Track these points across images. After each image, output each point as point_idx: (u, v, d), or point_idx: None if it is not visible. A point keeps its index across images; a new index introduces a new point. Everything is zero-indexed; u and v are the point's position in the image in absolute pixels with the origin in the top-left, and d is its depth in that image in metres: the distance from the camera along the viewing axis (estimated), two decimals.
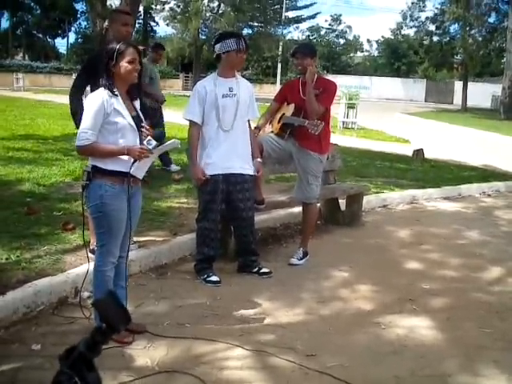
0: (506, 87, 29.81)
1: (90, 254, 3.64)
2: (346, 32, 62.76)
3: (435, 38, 41.36)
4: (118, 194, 3.12)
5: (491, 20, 37.74)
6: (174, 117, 11.77)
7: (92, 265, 3.34)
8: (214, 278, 4.36)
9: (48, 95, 27.23)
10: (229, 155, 4.30)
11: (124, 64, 3.10)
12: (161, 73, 53.42)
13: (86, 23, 56.00)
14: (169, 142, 3.43)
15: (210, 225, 4.40)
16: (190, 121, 4.32)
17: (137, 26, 39.44)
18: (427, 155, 11.45)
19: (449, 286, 4.60)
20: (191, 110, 4.31)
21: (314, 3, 62.92)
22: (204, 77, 4.87)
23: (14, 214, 5.38)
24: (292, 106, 4.88)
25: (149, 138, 3.18)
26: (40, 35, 60.69)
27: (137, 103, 3.31)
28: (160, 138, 7.33)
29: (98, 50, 4.45)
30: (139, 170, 3.19)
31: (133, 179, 3.18)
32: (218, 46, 4.28)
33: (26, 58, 56.55)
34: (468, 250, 5.64)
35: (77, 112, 4.30)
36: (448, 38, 40.29)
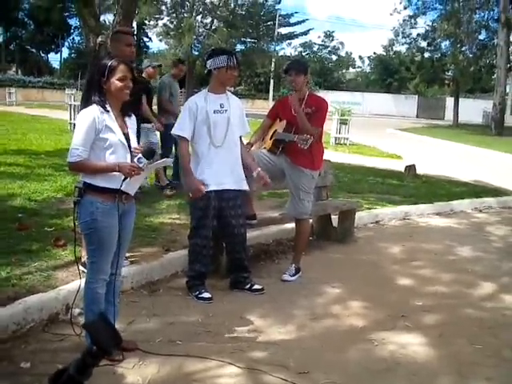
0: (497, 103, 30.05)
1: (82, 268, 3.62)
2: (339, 48, 63.19)
3: (426, 55, 41.67)
4: (109, 211, 3.11)
5: (482, 37, 38.11)
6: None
7: (83, 281, 3.32)
8: (206, 295, 4.34)
9: (40, 110, 27.20)
10: (221, 171, 4.31)
11: (115, 81, 3.10)
12: (154, 88, 53.34)
13: (79, 38, 56.07)
14: (161, 160, 3.43)
15: (202, 241, 4.40)
16: (180, 136, 4.33)
17: None
18: (419, 171, 11.48)
19: (441, 302, 4.61)
20: (181, 126, 4.32)
21: (307, 19, 63.45)
22: (197, 92, 4.89)
23: (4, 229, 5.34)
24: (284, 122, 4.91)
25: (139, 155, 3.19)
26: (33, 50, 60.76)
27: (130, 120, 3.30)
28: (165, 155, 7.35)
29: (91, 68, 4.47)
30: (130, 187, 3.19)
31: (125, 196, 3.17)
32: (209, 62, 4.32)
33: (19, 72, 56.63)
34: (460, 266, 5.66)
35: None
36: (439, 55, 40.58)
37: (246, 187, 4.47)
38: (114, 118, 3.12)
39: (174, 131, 4.37)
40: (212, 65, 4.29)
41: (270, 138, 5.00)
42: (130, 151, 3.18)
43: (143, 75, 7.94)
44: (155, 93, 8.28)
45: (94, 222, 3.10)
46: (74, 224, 3.35)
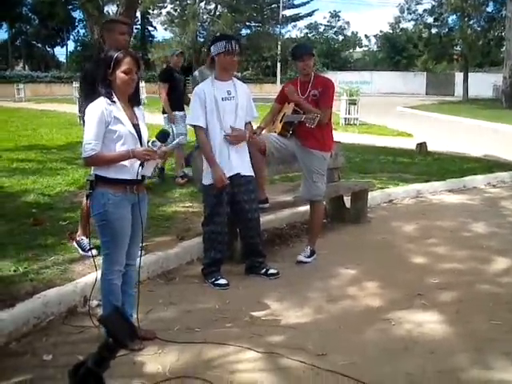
0: (507, 76, 29.65)
1: (98, 261, 3.65)
2: (345, 28, 62.82)
3: (434, 31, 41.24)
4: (120, 202, 3.13)
5: (489, 9, 37.64)
6: None
7: (100, 273, 3.35)
8: (222, 281, 4.37)
9: (49, 104, 27.29)
10: (232, 157, 4.32)
11: (120, 74, 3.10)
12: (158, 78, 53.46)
13: (84, 31, 56.18)
14: (176, 140, 3.42)
15: (216, 228, 4.41)
16: (195, 126, 4.33)
17: (134, 31, 39.52)
18: (430, 148, 11.42)
19: (457, 279, 4.59)
20: (195, 115, 4.32)
21: (311, 0, 62.86)
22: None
23: (20, 225, 5.40)
24: (292, 105, 4.89)
25: (153, 139, 3.19)
26: (39, 45, 60.97)
27: (139, 111, 3.31)
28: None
29: (94, 60, 4.46)
30: (146, 170, 3.22)
31: (136, 186, 3.19)
32: (211, 49, 4.34)
33: (26, 68, 56.80)
34: (475, 243, 5.63)
35: None
36: (447, 30, 40.17)
37: (252, 173, 4.49)
38: (122, 109, 3.13)
39: (189, 121, 4.39)
40: (213, 51, 4.31)
41: (280, 122, 4.99)
42: (141, 141, 3.19)
43: (170, 65, 7.95)
44: (182, 81, 8.12)
45: (106, 214, 3.12)
46: (88, 217, 3.38)
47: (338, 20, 62.07)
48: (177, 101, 7.68)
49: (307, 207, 5.24)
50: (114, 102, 3.11)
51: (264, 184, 4.98)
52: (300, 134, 4.85)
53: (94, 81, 3.23)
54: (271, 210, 5.21)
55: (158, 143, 3.19)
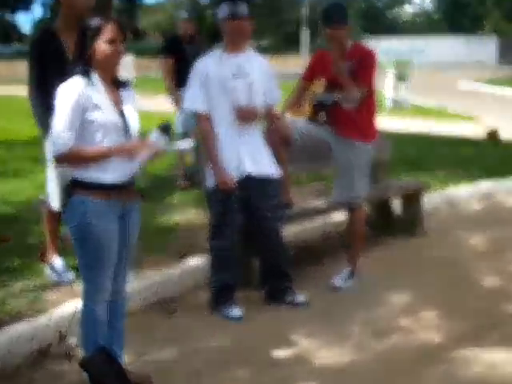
0: None
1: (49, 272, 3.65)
2: None
3: None
4: (104, 211, 3.15)
5: None
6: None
7: (80, 302, 3.38)
8: (236, 313, 4.39)
9: (11, 87, 27.50)
10: (245, 153, 4.34)
11: (101, 45, 3.11)
12: (154, 49, 53.29)
13: None
14: (178, 144, 3.42)
15: (225, 243, 4.42)
16: (195, 111, 4.37)
17: None
18: (503, 136, 11.36)
19: None
20: (192, 97, 4.35)
21: None
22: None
23: None
24: (323, 81, 4.90)
25: (153, 131, 3.22)
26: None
27: (128, 94, 3.33)
28: None
29: (43, 28, 4.44)
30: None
31: (125, 191, 3.22)
32: (218, 16, 4.38)
33: None
34: None
35: (43, 115, 4.25)
36: None
37: (273, 172, 4.50)
38: (103, 92, 3.15)
39: (186, 106, 4.41)
40: (218, 17, 4.39)
41: (309, 104, 4.99)
42: (128, 132, 3.21)
43: (178, 33, 8.02)
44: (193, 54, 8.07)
45: (87, 226, 3.14)
46: (55, 229, 3.41)
47: None
48: (185, 79, 7.59)
49: (345, 214, 5.24)
50: (94, 83, 3.14)
51: (288, 184, 4.99)
52: (335, 119, 4.85)
53: (44, 59, 3.25)
54: (298, 219, 5.22)
55: (158, 135, 3.21)
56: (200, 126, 4.42)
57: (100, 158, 3.11)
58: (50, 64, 4.14)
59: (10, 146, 10.62)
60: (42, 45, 4.26)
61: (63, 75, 3.19)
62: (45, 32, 4.44)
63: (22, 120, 14.70)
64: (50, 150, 3.28)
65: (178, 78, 7.46)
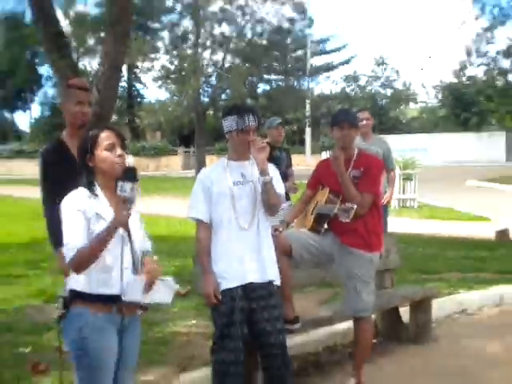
0: None
1: None
2: (394, 80, 63.86)
3: None
4: (103, 326, 3.16)
5: None
6: (172, 207, 11.95)
7: None
8: None
9: (7, 187, 27.89)
10: (248, 260, 4.37)
11: (102, 154, 3.24)
12: (154, 149, 53.95)
13: (53, 91, 57.91)
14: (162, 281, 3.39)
15: (229, 356, 4.39)
16: (196, 220, 4.44)
17: (120, 90, 40.79)
18: None
19: None
20: (195, 206, 4.43)
21: (346, 45, 64.67)
22: (210, 151, 5.01)
23: None
24: (326, 190, 4.99)
25: (120, 182, 3.17)
26: None
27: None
28: None
29: (52, 144, 4.56)
30: (134, 291, 3.24)
31: (126, 306, 3.24)
32: (223, 124, 4.47)
33: None
34: None
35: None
36: None
37: (276, 278, 4.51)
38: (106, 203, 3.23)
39: (189, 213, 4.48)
40: (224, 128, 4.46)
41: (311, 214, 5.07)
42: (130, 240, 3.26)
43: (267, 140, 7.95)
44: (285, 162, 7.88)
45: (84, 342, 3.15)
46: (60, 344, 3.41)
47: (385, 69, 63.36)
48: None
49: (351, 324, 5.23)
50: (97, 195, 3.23)
51: (291, 297, 5.00)
52: (338, 228, 4.91)
53: (57, 176, 3.34)
54: (303, 329, 5.19)
55: (127, 185, 3.16)
56: (198, 233, 4.47)
57: (103, 242, 3.11)
58: (62, 174, 4.23)
59: (4, 250, 10.66)
60: (53, 154, 4.37)
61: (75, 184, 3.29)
62: (55, 142, 4.55)
63: (17, 221, 14.95)
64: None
65: None
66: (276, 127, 7.90)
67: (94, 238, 3.12)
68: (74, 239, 3.11)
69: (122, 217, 3.13)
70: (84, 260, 3.12)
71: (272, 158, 7.57)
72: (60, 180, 3.95)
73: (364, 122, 7.91)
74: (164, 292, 3.34)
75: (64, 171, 3.91)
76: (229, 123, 4.39)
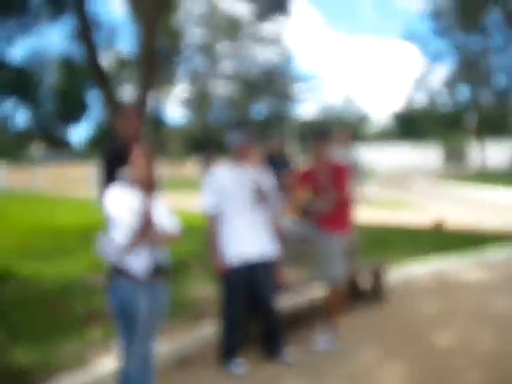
0: None
1: (116, 349, 3.68)
2: (358, 106, 64.14)
3: (447, 102, 42.06)
4: (137, 292, 3.21)
5: (501, 81, 38.56)
6: (187, 203, 11.92)
7: (118, 361, 3.37)
8: (240, 369, 4.35)
9: (64, 186, 27.85)
10: (250, 242, 4.41)
11: (136, 162, 3.27)
12: (172, 155, 53.29)
13: (101, 112, 57.71)
14: None
15: (234, 315, 4.44)
16: (209, 214, 4.46)
17: (147, 113, 40.67)
18: (449, 223, 11.43)
19: (484, 362, 4.51)
20: (208, 202, 4.45)
21: (320, 78, 64.67)
22: (218, 159, 5.05)
23: (35, 311, 5.45)
24: (307, 188, 5.02)
25: None
26: (55, 127, 62.72)
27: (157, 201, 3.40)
28: None
29: (114, 145, 4.58)
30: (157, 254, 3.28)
31: (154, 275, 3.27)
32: (228, 138, 4.50)
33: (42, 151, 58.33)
34: (501, 322, 5.55)
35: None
36: (460, 101, 40.98)
37: (274, 252, 4.55)
38: (136, 198, 3.26)
39: (204, 208, 4.48)
40: (229, 142, 4.48)
41: (295, 206, 5.10)
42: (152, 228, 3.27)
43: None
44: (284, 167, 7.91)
45: (123, 303, 3.19)
46: (106, 304, 3.44)
47: (351, 103, 63.67)
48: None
49: (325, 289, 5.25)
50: (130, 190, 3.25)
51: (281, 268, 5.04)
52: (315, 215, 4.95)
53: (114, 166, 3.38)
54: (288, 293, 5.22)
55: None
56: (211, 224, 4.47)
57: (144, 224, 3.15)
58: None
59: (62, 233, 10.66)
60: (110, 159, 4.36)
61: None
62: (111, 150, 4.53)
63: (73, 212, 14.94)
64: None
65: None
66: (274, 139, 7.88)
67: (134, 231, 3.14)
68: (123, 228, 3.13)
69: (150, 208, 3.17)
70: (134, 243, 3.17)
71: (271, 164, 7.64)
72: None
73: (342, 137, 7.88)
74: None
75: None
76: (234, 138, 4.42)
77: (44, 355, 4.29)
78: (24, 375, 3.93)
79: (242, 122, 4.82)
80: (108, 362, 4.06)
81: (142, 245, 3.19)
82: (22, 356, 4.29)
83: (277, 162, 7.57)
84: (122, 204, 3.18)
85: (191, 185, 23.26)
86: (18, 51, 78.03)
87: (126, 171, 3.29)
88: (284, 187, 5.30)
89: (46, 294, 6.16)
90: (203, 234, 4.82)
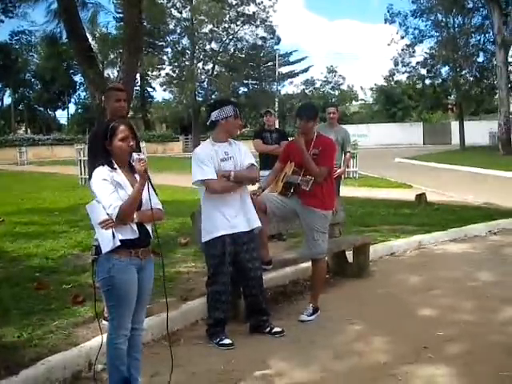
0: (502, 123, 30.15)
1: (105, 323, 3.65)
2: (341, 83, 63.52)
3: (427, 82, 41.99)
4: (126, 267, 3.17)
5: (480, 60, 38.58)
6: (176, 180, 11.88)
7: (105, 337, 3.35)
8: (227, 341, 4.35)
9: (51, 167, 27.62)
10: (232, 213, 4.39)
11: (117, 143, 3.21)
12: (161, 136, 53.71)
13: (85, 94, 57.39)
14: None
15: (220, 288, 4.43)
16: (208, 180, 4.35)
17: (135, 92, 40.32)
18: (430, 198, 11.49)
19: (464, 330, 4.56)
20: (205, 171, 4.33)
21: (306, 57, 64.27)
22: (203, 138, 5.02)
23: (23, 290, 5.40)
24: (293, 164, 4.98)
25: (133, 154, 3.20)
26: (41, 109, 62.23)
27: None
28: None
29: (95, 129, 4.55)
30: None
31: (141, 251, 3.23)
32: (215, 114, 4.43)
33: (29, 131, 57.82)
34: (480, 292, 5.62)
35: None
36: (440, 80, 40.93)
37: (258, 224, 4.53)
38: (122, 175, 3.21)
39: (201, 177, 4.35)
40: (219, 115, 4.41)
41: (282, 181, 5.06)
42: (141, 207, 3.23)
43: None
44: (272, 140, 7.83)
45: (112, 279, 3.16)
46: (93, 281, 3.40)
47: (335, 76, 62.95)
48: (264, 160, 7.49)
49: (310, 264, 5.26)
50: (115, 168, 3.20)
51: (267, 244, 5.02)
52: (301, 192, 4.92)
53: (100, 145, 3.32)
54: (274, 268, 5.21)
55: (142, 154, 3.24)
56: (213, 186, 4.37)
57: (138, 195, 3.13)
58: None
59: (50, 213, 10.57)
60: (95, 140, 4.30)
61: None
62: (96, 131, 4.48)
63: (59, 192, 14.82)
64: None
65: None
66: (265, 114, 8.02)
67: (129, 198, 3.11)
68: (112, 200, 3.09)
69: (138, 167, 3.12)
70: (127, 213, 3.12)
71: (261, 138, 7.74)
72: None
73: (331, 114, 7.89)
74: None
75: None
76: (227, 111, 4.38)
77: (32, 333, 4.25)
78: (13, 353, 3.89)
79: (223, 100, 4.79)
80: (96, 339, 4.03)
81: (129, 222, 3.14)
82: (10, 333, 4.24)
83: (275, 135, 7.74)
84: (109, 183, 3.12)
85: (179, 163, 23.25)
86: (2, 33, 76.63)
87: (113, 149, 3.23)
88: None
89: (33, 271, 6.09)
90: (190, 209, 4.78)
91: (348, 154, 8.12)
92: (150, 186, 3.24)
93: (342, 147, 7.67)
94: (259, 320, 4.61)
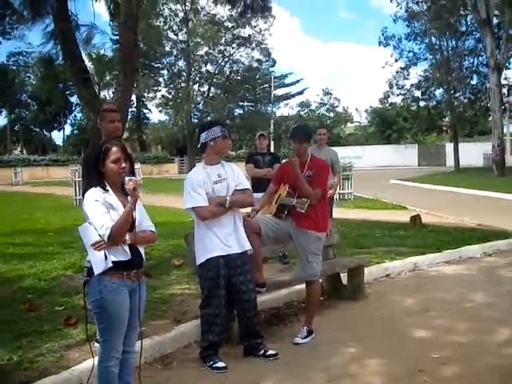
0: (496, 145, 30.31)
1: (97, 345, 3.61)
2: (337, 106, 63.82)
3: (422, 104, 42.36)
4: (117, 289, 3.15)
5: (474, 82, 39.03)
6: (171, 202, 11.87)
7: (96, 360, 3.31)
8: (221, 364, 4.30)
9: (46, 188, 27.58)
10: (226, 235, 4.39)
11: (109, 165, 3.22)
12: (156, 158, 53.78)
13: (80, 115, 57.67)
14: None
15: (214, 310, 4.40)
16: (199, 207, 4.37)
17: (130, 113, 40.47)
18: (425, 220, 11.50)
19: (459, 352, 4.54)
20: (196, 198, 4.36)
21: (301, 79, 64.62)
22: (198, 159, 5.02)
23: (15, 311, 5.36)
24: (287, 186, 4.99)
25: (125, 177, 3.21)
26: (37, 129, 62.42)
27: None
28: None
29: (89, 150, 4.56)
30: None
31: (134, 273, 3.21)
32: (203, 135, 4.46)
33: (24, 152, 57.87)
34: (474, 313, 5.60)
35: None
36: (434, 103, 41.31)
37: (249, 246, 4.53)
38: (115, 197, 3.21)
39: (191, 204, 4.38)
40: (207, 137, 4.43)
41: (275, 203, 5.07)
42: (133, 229, 3.22)
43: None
44: (265, 163, 7.76)
45: (103, 301, 3.13)
46: (85, 303, 3.37)
47: (330, 98, 63.29)
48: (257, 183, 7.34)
49: (304, 286, 5.23)
50: (108, 190, 3.20)
51: (261, 266, 5.01)
52: (295, 214, 4.91)
53: (94, 167, 3.32)
54: (268, 290, 5.19)
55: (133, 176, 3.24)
56: (202, 214, 4.39)
57: (128, 216, 3.12)
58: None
59: (44, 234, 10.53)
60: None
61: None
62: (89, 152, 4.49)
63: (53, 213, 14.77)
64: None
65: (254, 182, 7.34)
66: (259, 138, 7.95)
67: (119, 219, 3.10)
68: (104, 221, 3.08)
69: (130, 188, 3.12)
70: (118, 234, 3.10)
71: (254, 161, 7.72)
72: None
73: (321, 136, 7.97)
74: None
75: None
76: (214, 132, 4.39)
77: (23, 355, 4.20)
78: (3, 376, 3.84)
79: (212, 121, 4.82)
80: (88, 362, 3.99)
81: (121, 244, 3.13)
82: (0, 356, 4.19)
83: (268, 158, 7.74)
84: (101, 204, 3.12)
85: (173, 184, 23.24)
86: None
87: (106, 171, 3.23)
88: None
89: (25, 293, 6.05)
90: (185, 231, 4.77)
91: (338, 174, 8.15)
92: (141, 207, 3.23)
93: (332, 168, 7.70)
94: (253, 343, 4.57)
